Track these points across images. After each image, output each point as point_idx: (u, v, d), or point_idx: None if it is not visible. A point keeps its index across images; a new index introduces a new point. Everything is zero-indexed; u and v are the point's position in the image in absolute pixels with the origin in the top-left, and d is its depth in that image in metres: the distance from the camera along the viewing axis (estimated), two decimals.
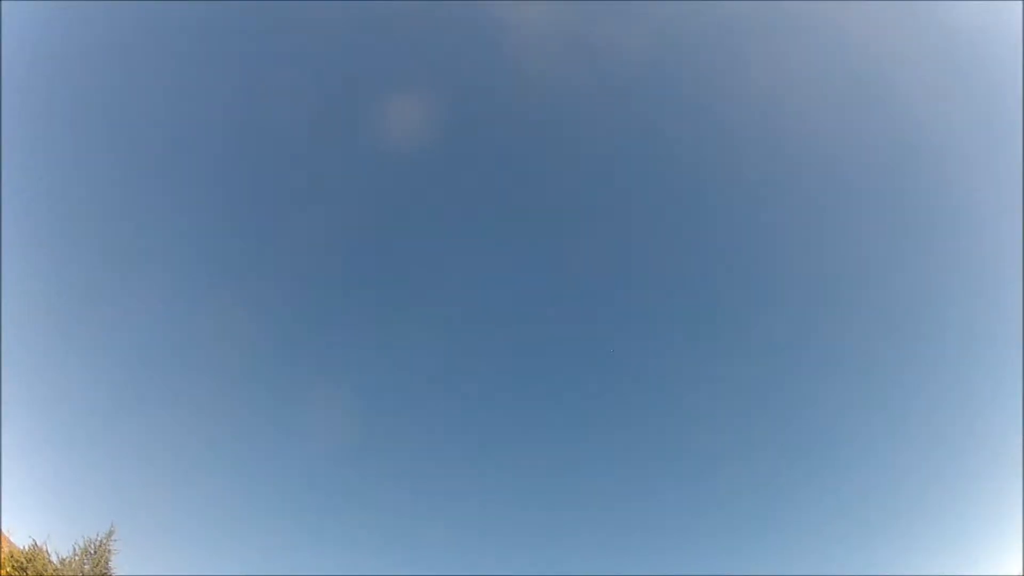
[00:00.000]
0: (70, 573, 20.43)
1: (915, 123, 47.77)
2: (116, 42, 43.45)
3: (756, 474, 45.17)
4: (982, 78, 42.42)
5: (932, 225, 48.54)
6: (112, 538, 23.27)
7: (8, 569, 18.53)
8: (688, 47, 49.26)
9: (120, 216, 44.63)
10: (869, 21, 44.75)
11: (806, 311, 50.62)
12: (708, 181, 50.83)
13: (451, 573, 39.65)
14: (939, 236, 48.10)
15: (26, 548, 20.39)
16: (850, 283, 50.63)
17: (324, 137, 50.60)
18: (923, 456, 43.65)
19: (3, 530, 21.66)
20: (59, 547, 21.23)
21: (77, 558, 21.31)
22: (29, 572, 19.36)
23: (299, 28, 46.93)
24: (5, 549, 20.23)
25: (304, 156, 50.26)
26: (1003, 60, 39.78)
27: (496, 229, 52.43)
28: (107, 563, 22.14)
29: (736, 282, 51.03)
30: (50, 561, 20.39)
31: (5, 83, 32.95)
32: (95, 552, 22.14)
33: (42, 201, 40.24)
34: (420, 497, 43.76)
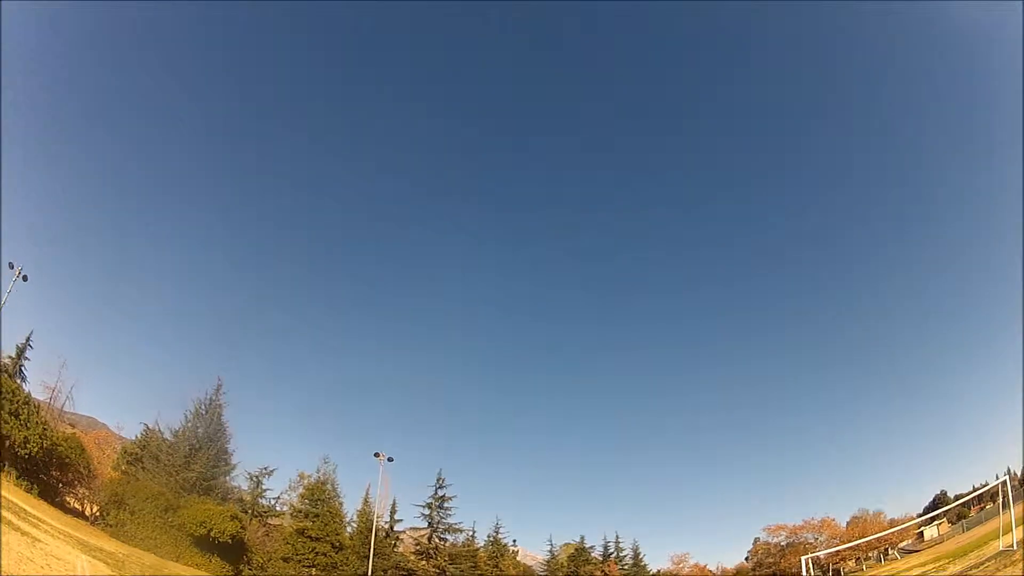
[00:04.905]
0: (184, 443, 20.34)
1: (916, 122, 48.70)
2: (116, 42, 45.67)
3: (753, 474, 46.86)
4: (982, 78, 43.96)
5: (932, 224, 50.64)
6: (221, 392, 22.97)
7: (124, 467, 18.65)
8: (687, 47, 53.06)
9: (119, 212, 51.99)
10: (870, 21, 44.18)
11: (805, 310, 54.35)
12: (707, 181, 55.87)
13: None
14: (939, 235, 50.02)
15: (137, 437, 20.66)
16: (850, 282, 53.85)
17: (325, 136, 57.49)
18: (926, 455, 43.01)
19: (113, 428, 22.86)
20: (172, 421, 21.30)
21: (189, 425, 21.35)
22: (144, 458, 19.49)
23: (300, 28, 48.32)
24: (118, 446, 21.01)
25: (305, 155, 58.02)
26: (1003, 60, 38.49)
27: (494, 228, 60.15)
28: (220, 418, 22.05)
29: (736, 281, 57.47)
30: (164, 440, 20.42)
31: (5, 83, 34.90)
32: (207, 411, 22.05)
33: (42, 197, 45.74)
34: None
